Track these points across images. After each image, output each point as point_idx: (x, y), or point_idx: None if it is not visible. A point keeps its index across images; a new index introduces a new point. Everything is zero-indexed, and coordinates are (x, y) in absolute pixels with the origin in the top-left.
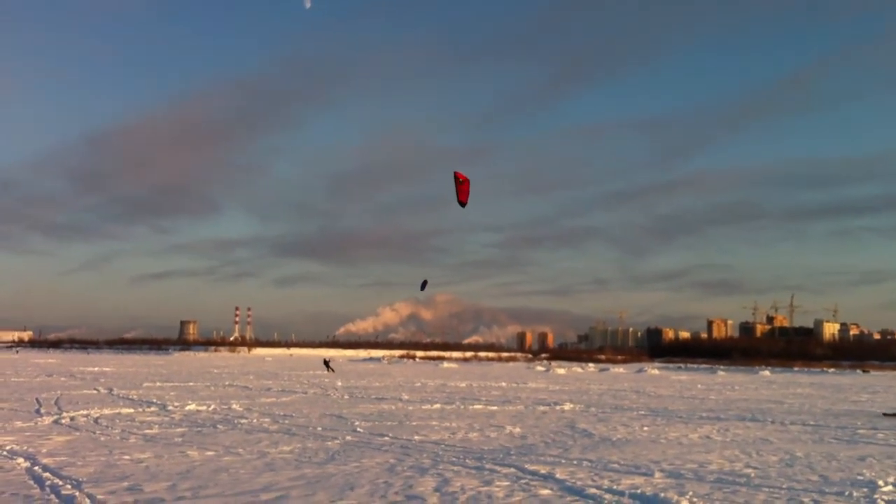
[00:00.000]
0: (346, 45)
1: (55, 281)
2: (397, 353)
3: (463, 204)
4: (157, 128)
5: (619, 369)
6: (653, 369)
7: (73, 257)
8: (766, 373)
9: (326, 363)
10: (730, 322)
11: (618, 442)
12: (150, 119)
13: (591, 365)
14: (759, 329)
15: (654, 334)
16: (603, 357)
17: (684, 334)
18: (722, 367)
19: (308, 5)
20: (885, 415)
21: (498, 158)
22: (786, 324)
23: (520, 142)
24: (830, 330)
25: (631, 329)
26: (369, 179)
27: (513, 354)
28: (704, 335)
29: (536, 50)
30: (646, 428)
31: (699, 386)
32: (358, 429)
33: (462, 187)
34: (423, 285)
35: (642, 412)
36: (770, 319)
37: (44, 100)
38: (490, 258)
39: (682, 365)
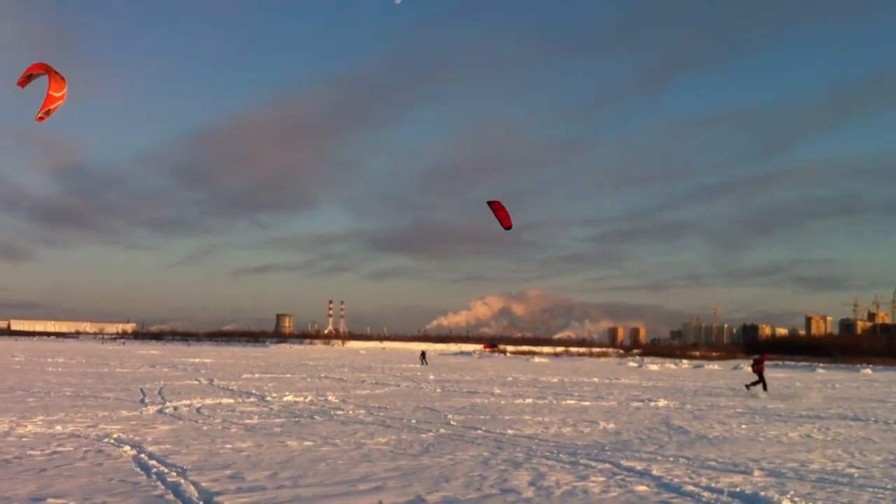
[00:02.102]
0: (444, 40)
1: (159, 274)
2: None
3: (508, 228)
4: (260, 124)
5: (713, 366)
6: (749, 366)
7: (177, 251)
8: (868, 371)
9: (423, 355)
10: (829, 318)
11: (715, 440)
12: (253, 116)
13: (684, 361)
14: (860, 326)
15: (749, 331)
16: (697, 353)
17: (781, 331)
18: (821, 364)
19: (398, 1)
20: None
21: (594, 152)
22: (888, 320)
23: (617, 135)
24: None
25: (726, 325)
26: (464, 173)
27: (604, 350)
28: (802, 332)
29: (635, 43)
30: (743, 426)
31: (798, 384)
32: (451, 422)
33: (499, 214)
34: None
35: (739, 410)
36: (871, 316)
37: (153, 98)
38: (583, 252)
39: (779, 362)
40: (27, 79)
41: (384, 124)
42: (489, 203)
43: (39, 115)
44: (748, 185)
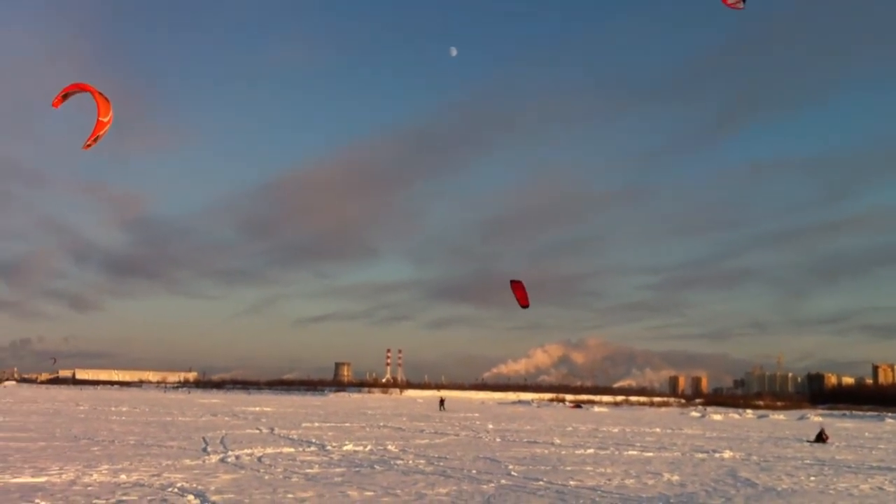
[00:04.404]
0: (507, 91)
1: (223, 324)
2: (546, 396)
3: (525, 307)
4: (324, 175)
5: (778, 416)
6: (815, 416)
7: (240, 301)
8: None
9: (442, 402)
10: None
11: (783, 492)
12: (318, 167)
13: (748, 411)
14: None
15: (815, 380)
16: (761, 403)
17: (848, 380)
18: (890, 414)
19: (454, 54)
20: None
21: (656, 200)
22: None
23: (679, 183)
24: None
25: (790, 374)
26: (525, 222)
27: (665, 399)
28: (870, 381)
29: (698, 91)
30: (812, 478)
31: (867, 434)
32: (512, 472)
33: (518, 294)
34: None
35: (807, 461)
36: None
37: (220, 150)
38: (644, 300)
39: (846, 412)
40: (62, 98)
41: (447, 174)
42: (512, 282)
43: (88, 142)
44: (813, 232)
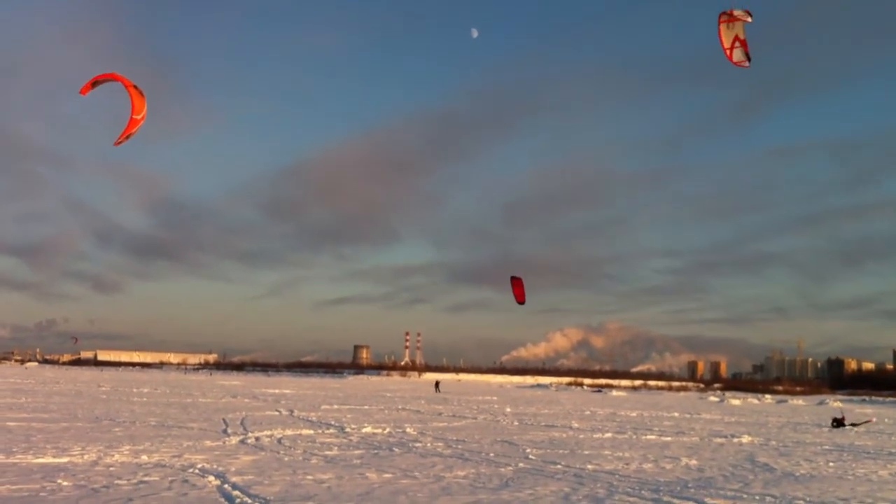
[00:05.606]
0: (530, 72)
1: (243, 306)
2: (565, 380)
3: (521, 303)
4: (346, 159)
5: (797, 401)
6: (835, 402)
7: (261, 284)
8: None
9: (437, 385)
10: None
11: (801, 477)
12: (340, 150)
13: (767, 396)
14: None
15: (835, 365)
16: (780, 388)
17: (868, 365)
18: None
19: (475, 35)
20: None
21: (679, 183)
22: None
23: (702, 166)
24: None
25: (810, 359)
26: (547, 206)
27: (683, 384)
28: (890, 366)
29: (723, 75)
30: (831, 463)
31: (886, 420)
32: (530, 456)
33: (516, 290)
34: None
35: (826, 447)
36: None
37: (244, 133)
38: (665, 284)
39: (866, 397)
40: (91, 86)
41: (469, 158)
42: (512, 278)
43: (120, 139)
44: (837, 217)
